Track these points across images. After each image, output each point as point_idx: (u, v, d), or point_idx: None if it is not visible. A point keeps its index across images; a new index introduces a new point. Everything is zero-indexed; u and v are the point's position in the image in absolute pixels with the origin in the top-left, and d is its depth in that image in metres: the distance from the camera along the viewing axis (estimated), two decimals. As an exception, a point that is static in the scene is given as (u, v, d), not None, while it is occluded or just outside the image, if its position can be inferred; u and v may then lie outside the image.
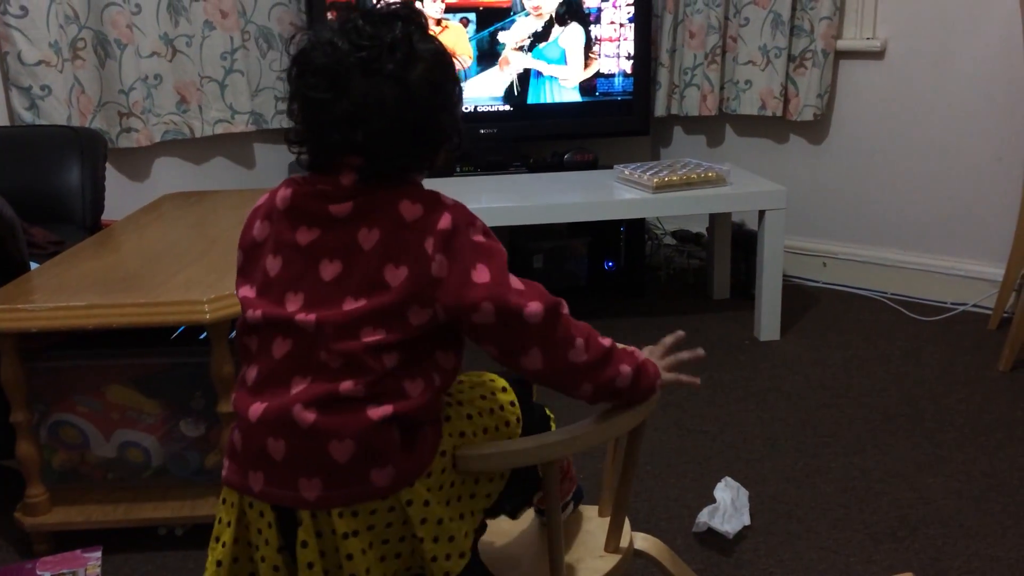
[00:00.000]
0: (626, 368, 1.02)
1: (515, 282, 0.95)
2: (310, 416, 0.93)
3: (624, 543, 1.13)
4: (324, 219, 0.97)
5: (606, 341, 1.01)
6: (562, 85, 2.90)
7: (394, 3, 0.98)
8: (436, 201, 0.97)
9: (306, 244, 0.97)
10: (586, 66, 2.91)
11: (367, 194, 0.96)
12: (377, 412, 0.93)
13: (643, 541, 1.21)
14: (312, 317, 0.95)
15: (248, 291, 1.01)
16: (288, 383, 0.96)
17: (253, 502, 0.97)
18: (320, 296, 0.96)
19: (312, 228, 0.97)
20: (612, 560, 1.11)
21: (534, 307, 0.93)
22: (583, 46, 2.90)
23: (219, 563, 1.00)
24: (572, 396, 1.01)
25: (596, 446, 1.03)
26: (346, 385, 0.93)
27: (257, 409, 0.96)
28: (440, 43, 0.99)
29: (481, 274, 0.93)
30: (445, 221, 0.95)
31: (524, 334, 0.94)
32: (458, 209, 0.97)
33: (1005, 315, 2.64)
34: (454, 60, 1.00)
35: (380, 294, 0.94)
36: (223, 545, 1.00)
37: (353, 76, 0.94)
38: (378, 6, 0.97)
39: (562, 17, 2.87)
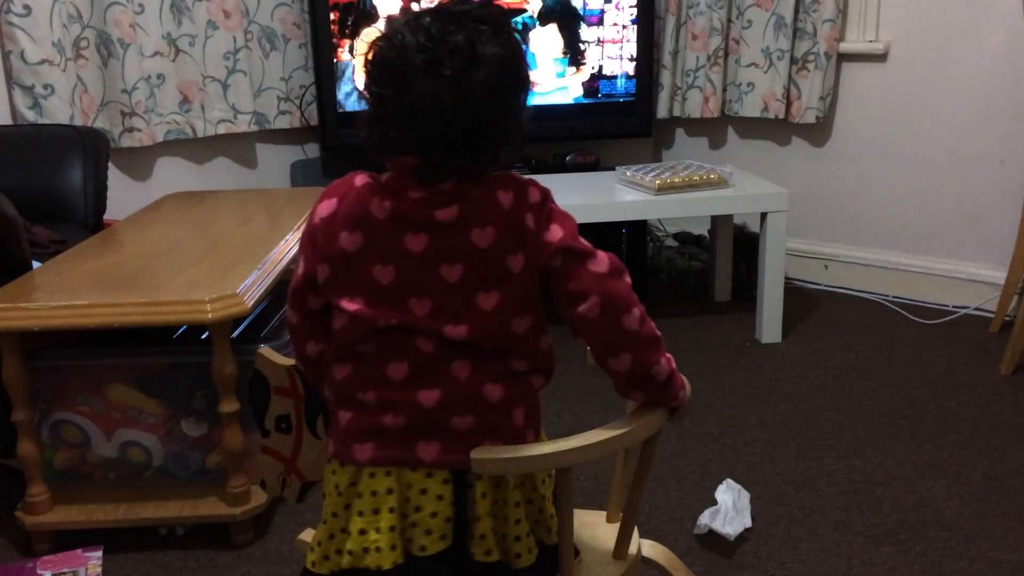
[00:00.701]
0: (665, 362, 1.05)
1: (586, 242, 1.04)
2: (497, 391, 1.02)
3: (632, 550, 1.13)
4: (432, 225, 1.00)
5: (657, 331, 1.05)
6: (565, 87, 2.90)
7: (470, 2, 0.99)
8: (519, 180, 1.04)
9: (420, 251, 1.00)
10: (577, 70, 2.91)
11: (466, 195, 1.00)
12: (538, 381, 1.06)
13: (651, 548, 1.20)
14: (462, 328, 1.00)
15: (351, 303, 1.02)
16: (450, 370, 1.02)
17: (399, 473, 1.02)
18: (449, 299, 1.00)
19: (419, 234, 1.00)
20: (621, 567, 1.10)
21: (601, 255, 1.02)
22: (561, 49, 2.89)
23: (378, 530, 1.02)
24: (605, 366, 1.02)
25: (612, 453, 1.02)
26: (517, 363, 1.03)
27: (431, 396, 1.01)
28: (511, 46, 0.99)
29: (555, 232, 1.02)
30: (534, 194, 1.02)
31: (586, 281, 1.00)
32: (535, 182, 1.05)
33: (1007, 318, 2.63)
34: (524, 63, 1.02)
35: (509, 283, 1.00)
36: (381, 515, 1.02)
37: (415, 76, 0.96)
38: (451, 4, 0.99)
39: (543, 18, 2.87)
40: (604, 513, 1.22)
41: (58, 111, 2.49)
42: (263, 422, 1.25)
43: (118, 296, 1.62)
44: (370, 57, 1.00)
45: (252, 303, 1.63)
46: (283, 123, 2.99)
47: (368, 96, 1.01)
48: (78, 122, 2.55)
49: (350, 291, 1.02)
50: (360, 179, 1.04)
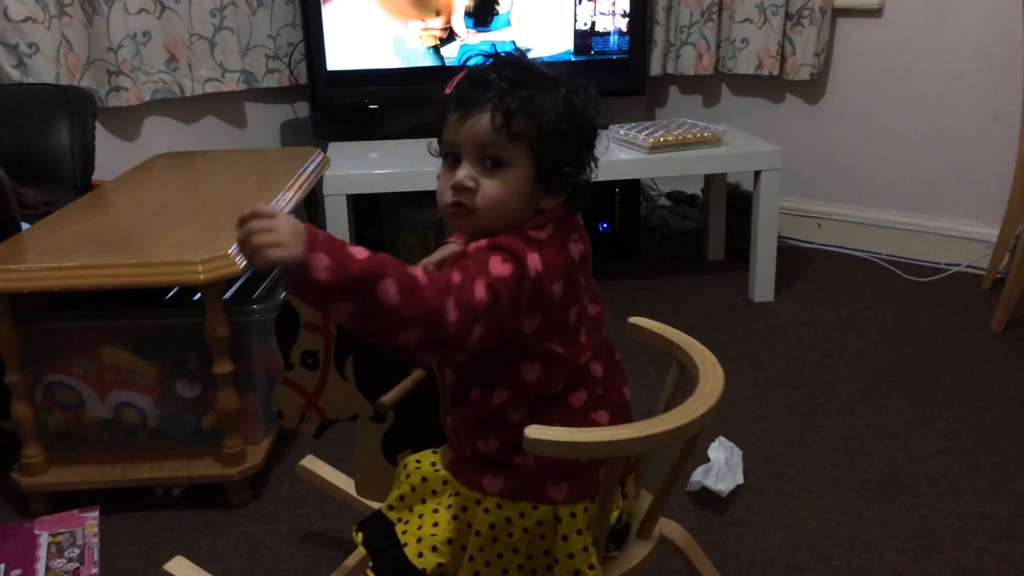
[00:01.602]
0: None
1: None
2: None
3: (656, 532, 1.14)
4: (583, 257, 1.05)
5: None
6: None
7: (559, 73, 1.02)
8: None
9: (585, 283, 1.05)
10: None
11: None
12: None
13: (668, 528, 1.21)
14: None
15: (574, 346, 1.03)
16: (617, 380, 1.11)
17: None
18: (597, 317, 1.08)
19: (582, 266, 1.05)
20: (645, 547, 1.11)
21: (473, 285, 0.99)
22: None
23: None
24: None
25: (666, 446, 1.01)
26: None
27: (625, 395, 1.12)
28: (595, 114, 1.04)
29: None
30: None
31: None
32: None
33: (999, 275, 2.64)
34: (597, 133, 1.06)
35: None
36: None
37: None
38: (540, 71, 1.01)
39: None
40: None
41: (43, 70, 2.45)
42: (288, 354, 1.25)
43: (108, 257, 1.61)
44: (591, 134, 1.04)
45: (244, 264, 1.62)
46: (272, 82, 2.95)
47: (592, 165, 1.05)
48: (64, 81, 2.51)
49: (568, 333, 1.03)
50: (568, 242, 1.03)
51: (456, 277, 0.91)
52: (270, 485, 1.78)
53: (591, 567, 1.02)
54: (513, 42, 1.11)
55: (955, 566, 1.50)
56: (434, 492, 1.07)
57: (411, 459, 1.11)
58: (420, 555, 1.03)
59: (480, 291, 0.91)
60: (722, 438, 1.82)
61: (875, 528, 1.61)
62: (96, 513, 1.66)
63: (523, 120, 0.97)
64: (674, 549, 1.22)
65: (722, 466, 1.72)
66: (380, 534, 1.06)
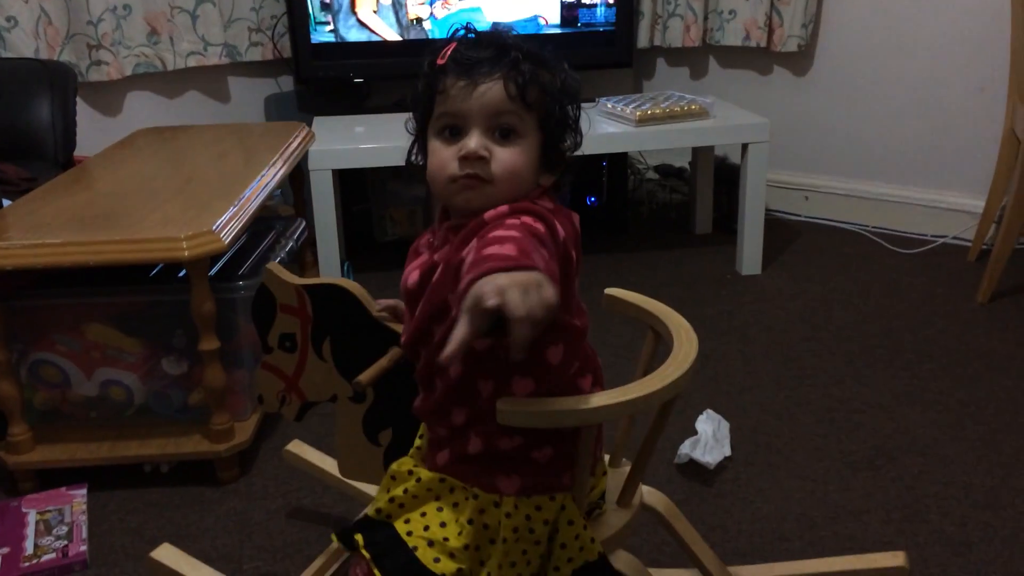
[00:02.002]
0: None
1: None
2: None
3: (636, 499, 1.14)
4: None
5: None
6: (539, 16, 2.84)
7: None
8: None
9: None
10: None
11: None
12: None
13: (650, 495, 1.21)
14: None
15: (581, 316, 1.00)
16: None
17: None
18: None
19: None
20: (625, 515, 1.11)
21: None
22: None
23: None
24: None
25: (640, 413, 1.01)
26: None
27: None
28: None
29: None
30: None
31: None
32: None
33: (984, 247, 2.65)
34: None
35: None
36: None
37: None
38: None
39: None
40: (607, 456, 1.23)
41: (22, 44, 2.41)
42: (266, 338, 1.24)
43: (92, 234, 1.59)
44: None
45: (229, 240, 1.61)
46: (255, 55, 2.92)
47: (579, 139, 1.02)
48: (43, 55, 2.47)
49: (578, 302, 1.00)
50: (572, 215, 1.00)
51: (511, 248, 0.80)
52: (259, 461, 1.78)
53: (592, 540, 1.02)
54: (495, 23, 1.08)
55: (939, 534, 1.52)
56: (438, 497, 1.01)
57: (404, 466, 1.05)
58: (437, 560, 0.96)
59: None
60: (710, 411, 1.83)
61: (861, 498, 1.63)
62: (84, 491, 1.66)
63: (536, 90, 0.95)
64: (657, 517, 1.23)
65: (710, 438, 1.73)
66: (383, 536, 0.99)
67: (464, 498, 1.00)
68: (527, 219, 0.89)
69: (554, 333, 0.93)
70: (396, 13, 2.77)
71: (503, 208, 0.92)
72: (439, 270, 0.95)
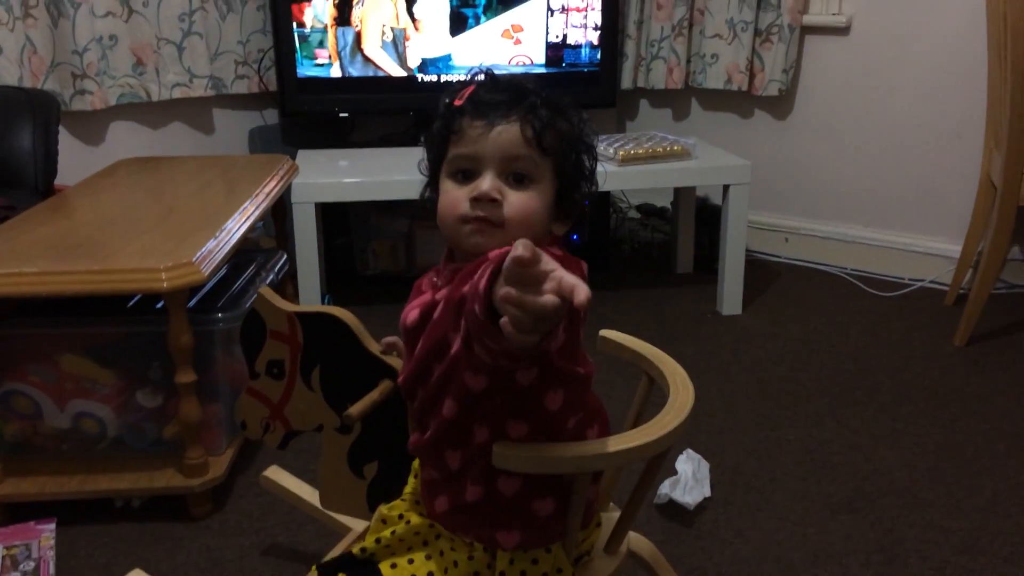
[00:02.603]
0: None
1: None
2: None
3: (624, 547, 1.13)
4: None
5: None
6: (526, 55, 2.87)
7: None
8: None
9: None
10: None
11: None
12: None
13: (636, 542, 1.20)
14: None
15: (586, 364, 0.97)
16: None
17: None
18: None
19: None
20: (612, 562, 1.10)
21: None
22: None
23: None
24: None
25: (634, 462, 1.00)
26: None
27: None
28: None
29: None
30: None
31: None
32: None
33: (961, 291, 2.68)
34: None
35: None
36: None
37: None
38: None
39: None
40: None
41: (6, 72, 2.41)
42: (253, 363, 1.22)
43: (70, 264, 1.57)
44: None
45: (209, 272, 1.60)
46: (241, 88, 2.92)
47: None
48: (27, 84, 2.46)
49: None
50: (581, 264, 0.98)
51: None
52: (233, 497, 1.75)
53: None
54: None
55: (919, 579, 1.51)
56: (425, 543, 1.00)
57: (394, 510, 1.03)
58: None
59: None
60: (689, 450, 1.83)
61: (840, 541, 1.62)
62: (52, 525, 1.62)
63: (553, 135, 0.93)
64: (641, 563, 1.21)
65: (689, 479, 1.72)
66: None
67: (455, 551, 0.98)
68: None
69: (555, 379, 0.90)
70: (396, 48, 2.79)
71: (509, 249, 0.90)
72: (440, 307, 0.92)
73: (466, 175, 0.93)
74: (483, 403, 0.91)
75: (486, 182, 0.91)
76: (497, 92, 0.94)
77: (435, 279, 1.01)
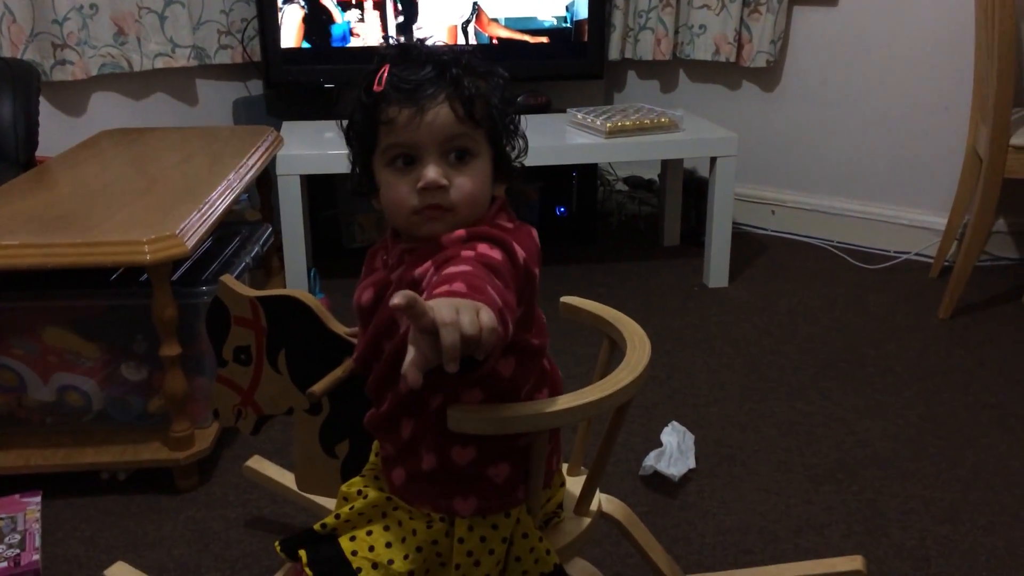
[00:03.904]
0: None
1: None
2: None
3: (594, 507, 1.13)
4: None
5: None
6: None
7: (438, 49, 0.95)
8: None
9: None
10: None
11: None
12: None
13: (609, 504, 1.20)
14: None
15: (541, 334, 1.00)
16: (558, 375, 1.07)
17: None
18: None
19: None
20: (582, 523, 1.11)
21: None
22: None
23: None
24: None
25: (593, 417, 1.02)
26: None
27: None
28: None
29: None
30: None
31: None
32: None
33: (946, 264, 2.69)
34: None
35: None
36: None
37: None
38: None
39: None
40: (565, 465, 1.23)
41: (-16, 41, 2.37)
42: (220, 351, 1.22)
43: (51, 236, 1.56)
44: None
45: (193, 244, 1.59)
46: (224, 58, 2.89)
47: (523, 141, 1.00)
48: (6, 54, 2.43)
49: (539, 321, 1.00)
50: (531, 230, 0.99)
51: (460, 286, 0.79)
52: (219, 469, 1.75)
53: (548, 552, 1.01)
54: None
55: (899, 548, 1.53)
56: (384, 515, 1.00)
57: (353, 487, 1.04)
58: None
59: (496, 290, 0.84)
60: (675, 423, 1.84)
61: (823, 512, 1.63)
62: (38, 498, 1.62)
63: (481, 104, 0.93)
64: (616, 526, 1.22)
65: (674, 450, 1.74)
66: (327, 554, 0.97)
67: (413, 520, 0.99)
68: (483, 247, 0.88)
69: (508, 348, 0.90)
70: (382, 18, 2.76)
71: (460, 232, 0.91)
72: (391, 288, 0.94)
73: (405, 161, 0.93)
74: (434, 373, 0.91)
75: (431, 171, 0.91)
76: (416, 69, 0.92)
77: (385, 257, 1.00)
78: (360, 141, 0.97)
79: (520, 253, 0.91)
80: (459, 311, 0.70)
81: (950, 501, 1.66)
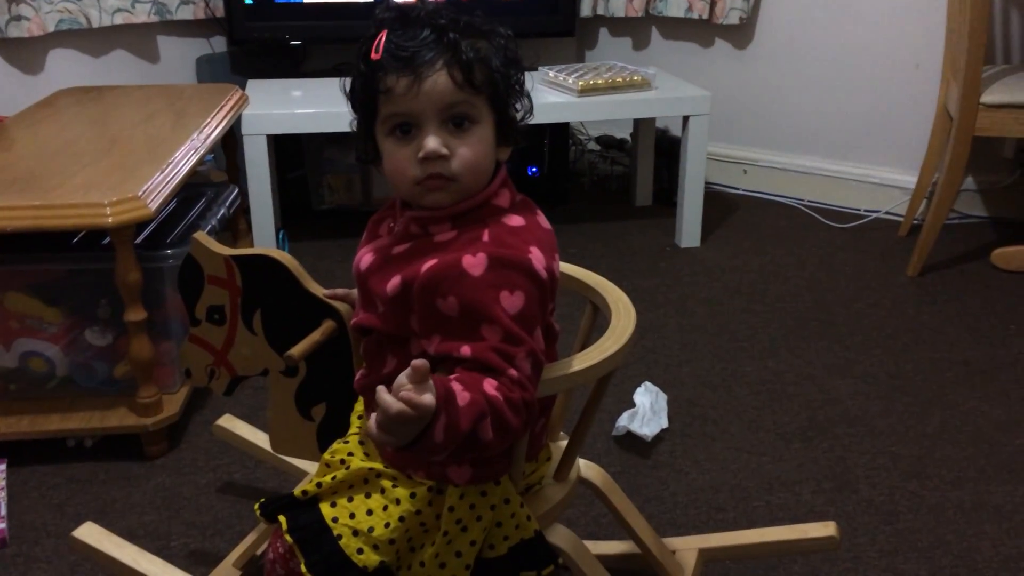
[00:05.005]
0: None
1: None
2: None
3: (573, 474, 1.13)
4: None
5: None
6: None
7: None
8: None
9: None
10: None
11: None
12: None
13: (587, 469, 1.21)
14: None
15: (551, 341, 1.01)
16: None
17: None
18: None
19: None
20: (562, 489, 1.11)
21: None
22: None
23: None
24: None
25: (579, 386, 1.02)
26: None
27: None
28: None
29: None
30: None
31: None
32: None
33: (915, 222, 2.71)
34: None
35: None
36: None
37: None
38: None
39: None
40: None
41: (-67, -4, 2.28)
42: (193, 310, 1.20)
43: (9, 199, 1.51)
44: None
45: (156, 206, 1.55)
46: (186, 13, 2.81)
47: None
48: (-43, 8, 2.34)
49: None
50: (538, 215, 0.99)
51: (494, 358, 0.86)
52: (188, 435, 1.73)
53: (528, 518, 1.01)
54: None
55: (868, 504, 1.55)
56: (366, 481, 0.99)
57: (336, 455, 1.03)
58: (360, 551, 0.94)
59: (525, 362, 0.88)
60: (648, 383, 1.84)
61: (793, 469, 1.65)
62: (3, 466, 1.59)
63: (481, 69, 0.91)
64: (594, 491, 1.22)
65: (647, 411, 1.74)
66: (307, 520, 0.96)
67: (397, 488, 0.98)
68: (502, 294, 0.87)
69: None
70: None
71: (480, 257, 0.89)
72: (397, 282, 0.93)
73: (404, 130, 0.92)
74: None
75: (430, 141, 0.90)
76: (413, 35, 0.90)
77: (392, 224, 0.99)
78: (361, 109, 0.95)
79: (540, 266, 0.91)
80: (393, 432, 0.78)
81: (917, 456, 1.69)
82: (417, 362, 0.77)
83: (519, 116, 0.97)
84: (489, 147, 0.94)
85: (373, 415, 0.79)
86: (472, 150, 0.92)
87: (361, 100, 0.94)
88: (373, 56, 0.90)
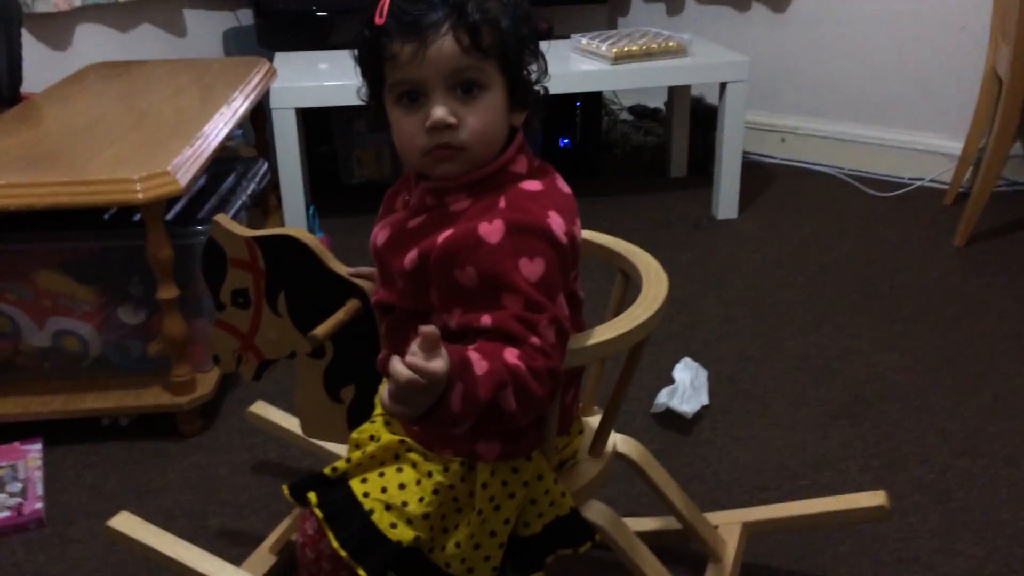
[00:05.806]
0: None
1: None
2: None
3: (609, 448, 1.10)
4: None
5: None
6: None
7: None
8: None
9: None
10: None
11: None
12: None
13: (624, 444, 1.17)
14: None
15: (576, 311, 0.98)
16: None
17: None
18: None
19: None
20: (597, 464, 1.08)
21: None
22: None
23: None
24: None
25: (610, 356, 0.99)
26: None
27: None
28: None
29: None
30: None
31: None
32: None
33: (961, 190, 2.63)
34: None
35: None
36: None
37: None
38: None
39: None
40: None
41: (-40, -29, 2.26)
42: (218, 295, 1.17)
43: (40, 175, 1.50)
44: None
45: (186, 181, 1.53)
46: (213, -13, 2.78)
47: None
48: (-16, -16, 2.32)
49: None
50: (556, 179, 0.96)
51: (517, 327, 0.82)
52: (222, 414, 1.72)
53: (563, 495, 0.98)
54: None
55: (919, 482, 1.50)
56: (397, 457, 0.98)
57: (364, 433, 1.01)
58: (393, 526, 0.92)
59: (548, 330, 0.84)
60: (687, 359, 1.80)
61: (839, 447, 1.60)
62: (39, 445, 1.59)
63: (489, 32, 0.86)
64: (631, 466, 1.19)
65: (687, 387, 1.70)
66: (337, 496, 0.94)
67: (429, 463, 0.96)
68: (521, 261, 0.84)
69: None
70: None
71: (497, 224, 0.85)
72: (414, 256, 0.90)
73: (412, 97, 0.88)
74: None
75: (437, 110, 0.86)
76: (417, 3, 0.85)
77: (407, 197, 0.96)
78: (368, 78, 0.92)
79: (559, 230, 0.87)
80: (406, 401, 0.74)
81: (967, 433, 1.63)
82: (426, 329, 0.72)
83: (533, 79, 0.93)
84: (500, 114, 0.90)
85: (385, 385, 0.76)
86: (481, 118, 0.88)
87: (368, 67, 0.90)
88: (377, 21, 0.86)
